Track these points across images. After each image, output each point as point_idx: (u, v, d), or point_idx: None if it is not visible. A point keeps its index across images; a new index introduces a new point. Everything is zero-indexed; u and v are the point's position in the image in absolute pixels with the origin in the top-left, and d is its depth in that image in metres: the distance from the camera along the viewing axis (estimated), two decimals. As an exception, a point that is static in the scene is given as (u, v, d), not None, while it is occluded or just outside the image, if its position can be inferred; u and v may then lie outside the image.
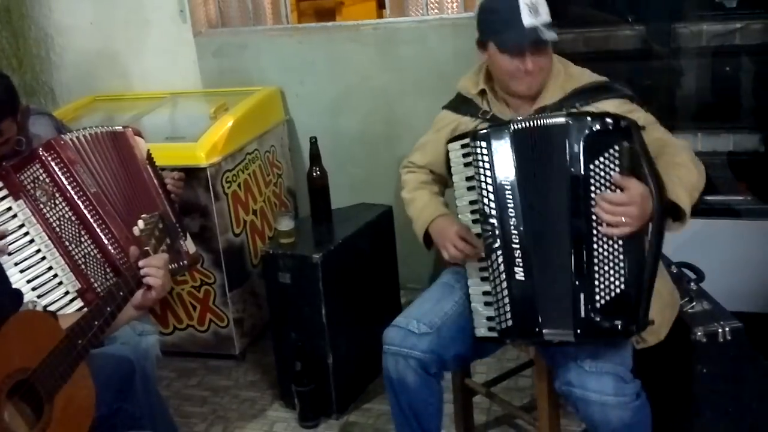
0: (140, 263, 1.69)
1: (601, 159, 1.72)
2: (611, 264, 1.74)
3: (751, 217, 2.58)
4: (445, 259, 2.01)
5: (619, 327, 1.74)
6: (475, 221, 1.92)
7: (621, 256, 1.73)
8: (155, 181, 2.27)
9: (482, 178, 1.85)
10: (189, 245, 2.30)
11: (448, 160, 2.00)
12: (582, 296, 1.76)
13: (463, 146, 1.92)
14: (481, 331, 1.96)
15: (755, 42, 2.51)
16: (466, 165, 1.92)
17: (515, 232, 1.82)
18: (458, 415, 2.53)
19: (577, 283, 1.76)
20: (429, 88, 3.14)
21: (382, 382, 2.78)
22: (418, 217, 2.10)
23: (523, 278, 1.83)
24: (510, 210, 1.83)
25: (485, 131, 1.87)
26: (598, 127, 1.73)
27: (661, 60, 2.66)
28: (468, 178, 1.92)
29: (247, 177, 3.06)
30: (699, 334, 1.97)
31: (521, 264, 1.82)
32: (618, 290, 1.74)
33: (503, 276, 1.85)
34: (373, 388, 2.82)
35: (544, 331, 1.82)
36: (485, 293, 1.93)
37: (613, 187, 1.72)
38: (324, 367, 2.61)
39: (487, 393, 2.43)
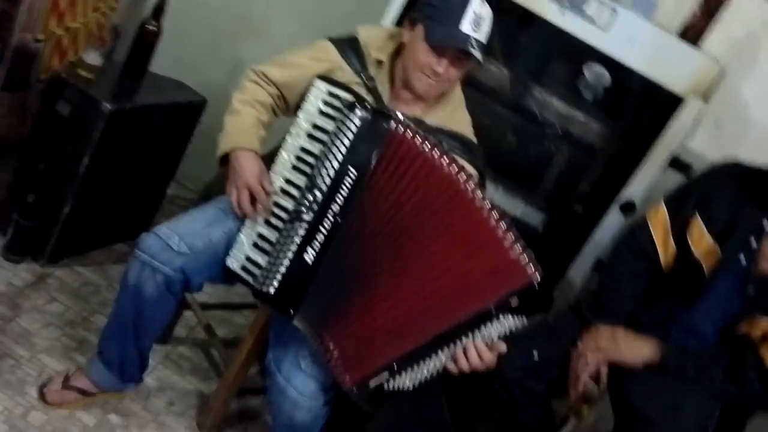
0: None
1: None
2: (425, 373, 1.70)
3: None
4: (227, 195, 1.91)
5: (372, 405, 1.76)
6: (295, 168, 1.81)
7: (431, 371, 1.70)
8: None
9: (334, 149, 1.74)
10: None
11: (305, 92, 1.86)
12: (385, 375, 1.71)
13: (332, 95, 1.79)
14: (233, 263, 1.89)
15: (585, 138, 2.67)
16: (323, 113, 1.79)
17: (331, 219, 1.75)
18: (161, 321, 2.49)
19: (394, 366, 1.70)
20: (301, 17, 3.06)
21: (106, 255, 2.73)
22: (230, 133, 1.90)
23: (309, 261, 1.77)
24: (339, 197, 1.74)
25: (371, 109, 1.74)
26: None
27: (504, 108, 2.76)
28: (316, 126, 1.80)
29: (78, -9, 2.79)
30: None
31: (317, 248, 1.77)
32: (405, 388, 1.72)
33: (293, 248, 1.78)
34: (94, 257, 2.71)
35: (295, 318, 1.81)
36: (261, 237, 1.85)
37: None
38: (56, 213, 2.45)
39: (200, 316, 2.42)
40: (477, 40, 1.82)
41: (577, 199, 2.75)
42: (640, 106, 2.59)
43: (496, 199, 2.81)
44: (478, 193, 1.64)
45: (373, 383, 1.72)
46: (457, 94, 2.03)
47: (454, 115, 2.00)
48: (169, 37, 2.67)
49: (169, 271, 1.90)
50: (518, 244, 1.59)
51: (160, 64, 2.73)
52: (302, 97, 1.86)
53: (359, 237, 1.75)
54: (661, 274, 2.08)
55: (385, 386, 1.71)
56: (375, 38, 1.99)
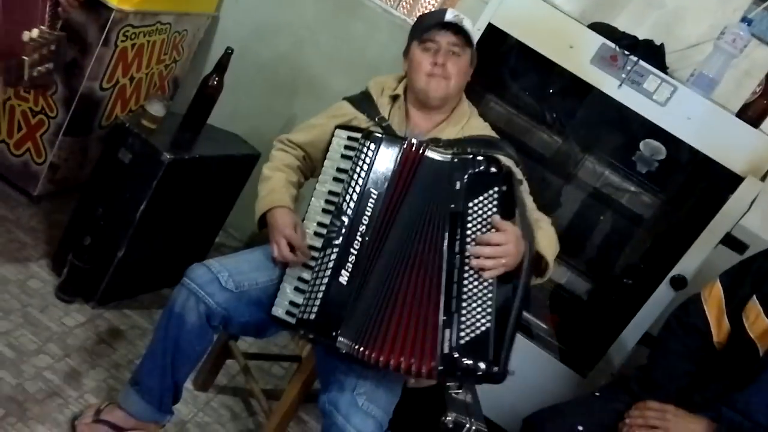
0: None
1: (480, 198, 1.77)
2: (479, 302, 1.72)
3: (541, 345, 2.74)
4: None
5: (482, 368, 1.70)
6: (324, 210, 1.93)
7: (490, 295, 1.72)
8: None
9: (355, 176, 1.87)
10: None
11: (329, 145, 2.00)
12: (447, 332, 1.73)
13: (351, 138, 1.94)
14: (279, 311, 1.94)
15: (635, 209, 2.68)
16: (344, 157, 1.94)
17: (359, 239, 1.85)
18: (205, 368, 2.50)
19: (444, 318, 1.75)
20: (353, 73, 3.13)
21: (154, 299, 2.76)
22: (264, 197, 2.07)
23: (344, 282, 1.84)
24: (365, 217, 1.85)
25: (380, 135, 1.90)
26: (480, 168, 1.79)
27: (555, 175, 2.79)
28: (339, 170, 1.94)
29: (145, 43, 2.89)
30: (449, 418, 2.07)
31: (349, 269, 1.85)
32: (484, 328, 1.70)
33: (328, 272, 1.86)
34: (142, 300, 2.74)
35: (339, 338, 1.83)
36: (301, 279, 1.93)
37: (489, 228, 1.75)
38: (111, 256, 2.50)
39: (244, 366, 2.43)
40: (461, 22, 2.02)
41: (625, 270, 2.74)
42: (694, 182, 2.59)
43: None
44: None
45: (445, 349, 1.72)
46: (466, 107, 2.17)
47: (469, 125, 2.14)
48: (226, 89, 2.75)
49: (213, 304, 1.95)
50: None
51: (217, 115, 2.80)
52: (326, 152, 2.01)
53: (387, 251, 1.84)
54: (713, 352, 2.05)
55: (458, 342, 1.71)
56: (382, 83, 2.20)
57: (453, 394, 2.15)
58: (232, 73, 2.76)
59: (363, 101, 2.16)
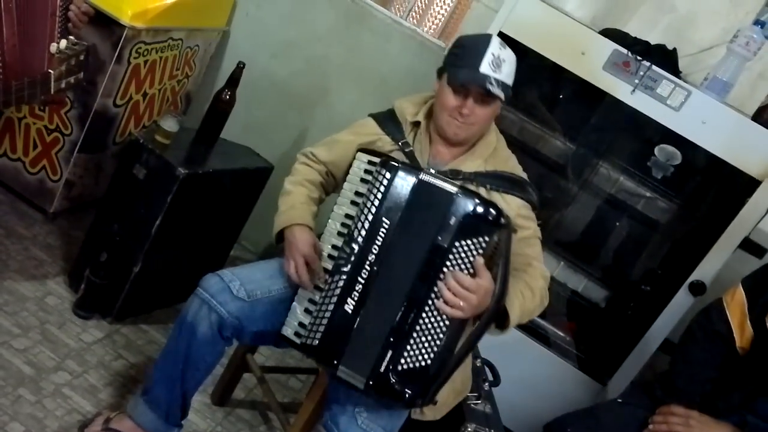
0: None
1: (469, 241, 1.74)
2: (428, 337, 1.77)
3: (559, 354, 2.72)
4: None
5: (407, 395, 1.78)
6: (339, 233, 1.91)
7: (440, 334, 1.76)
8: (58, 1, 1.99)
9: (368, 204, 1.84)
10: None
11: (350, 165, 1.97)
12: (389, 353, 1.78)
13: (370, 163, 1.91)
14: (288, 330, 1.94)
15: (651, 215, 2.67)
16: (363, 181, 1.91)
17: (368, 268, 1.82)
18: (222, 382, 2.50)
19: (391, 339, 1.78)
20: (364, 84, 3.13)
21: (170, 314, 2.76)
22: (283, 212, 2.04)
23: (349, 311, 1.83)
24: (375, 246, 1.82)
25: (397, 164, 1.85)
26: (480, 210, 1.75)
27: (569, 182, 2.78)
28: (357, 193, 1.91)
29: (158, 59, 2.91)
30: (469, 429, 2.05)
31: (356, 298, 1.82)
32: (423, 363, 1.77)
33: (334, 299, 1.84)
34: (158, 315, 2.75)
35: (340, 366, 1.83)
36: (311, 301, 1.92)
37: (467, 270, 1.74)
38: (127, 271, 2.51)
39: (260, 377, 2.42)
40: (497, 80, 1.90)
41: (643, 276, 2.72)
42: (711, 186, 2.57)
43: (557, 273, 2.81)
44: None
45: (381, 367, 1.78)
46: (493, 137, 2.09)
47: (494, 156, 2.07)
48: (239, 103, 2.76)
49: (224, 313, 1.95)
50: None
51: (230, 129, 2.81)
52: (347, 171, 1.97)
53: (390, 275, 1.82)
54: (736, 358, 2.03)
55: (395, 366, 1.78)
56: (409, 105, 2.12)
57: (472, 405, 2.14)
58: (244, 86, 2.78)
59: (389, 121, 2.11)
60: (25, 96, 1.73)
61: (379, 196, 1.83)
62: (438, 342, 1.76)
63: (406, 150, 2.05)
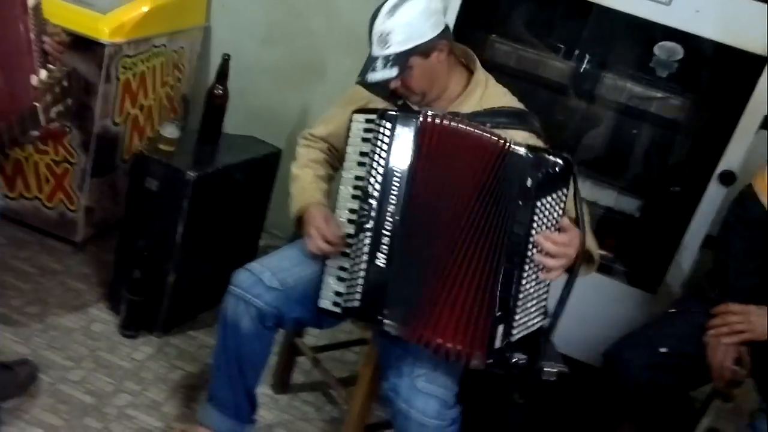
0: None
1: (549, 199, 1.74)
2: (535, 301, 1.77)
3: (605, 273, 2.69)
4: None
5: (526, 362, 1.78)
6: (354, 197, 1.89)
7: (545, 295, 1.78)
8: (30, 35, 1.87)
9: (375, 158, 1.82)
10: None
11: (349, 132, 1.95)
12: (501, 328, 1.76)
13: (368, 121, 1.89)
14: (325, 302, 1.93)
15: (667, 115, 2.60)
16: (364, 140, 1.89)
17: (390, 219, 1.81)
18: (278, 371, 2.53)
19: (499, 314, 1.76)
20: (354, 49, 3.07)
21: (215, 315, 2.77)
22: (296, 196, 2.07)
23: (383, 265, 1.82)
24: (392, 197, 1.81)
25: (394, 113, 1.84)
26: (552, 168, 1.75)
27: (578, 100, 2.72)
28: (362, 154, 1.89)
29: (145, 69, 2.90)
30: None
31: (386, 251, 1.81)
32: (535, 328, 1.78)
33: (365, 257, 1.83)
34: (204, 319, 2.77)
35: (385, 321, 1.82)
36: (341, 268, 1.91)
37: (554, 228, 1.75)
38: (162, 283, 2.54)
39: (313, 358, 2.44)
40: (386, 56, 1.88)
41: (672, 178, 2.67)
42: (719, 73, 2.50)
43: (585, 192, 2.76)
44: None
45: (497, 344, 1.76)
46: (480, 75, 2.05)
47: (488, 94, 2.04)
48: (235, 95, 2.74)
49: (262, 305, 1.96)
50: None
51: (231, 122, 2.80)
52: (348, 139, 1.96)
53: (421, 226, 1.81)
54: (777, 241, 1.99)
55: (511, 338, 1.75)
56: None
57: None
58: (237, 77, 2.76)
59: (377, 84, 2.06)
60: (17, 133, 1.72)
61: (385, 147, 1.81)
62: (542, 303, 1.78)
63: (399, 102, 2.03)
